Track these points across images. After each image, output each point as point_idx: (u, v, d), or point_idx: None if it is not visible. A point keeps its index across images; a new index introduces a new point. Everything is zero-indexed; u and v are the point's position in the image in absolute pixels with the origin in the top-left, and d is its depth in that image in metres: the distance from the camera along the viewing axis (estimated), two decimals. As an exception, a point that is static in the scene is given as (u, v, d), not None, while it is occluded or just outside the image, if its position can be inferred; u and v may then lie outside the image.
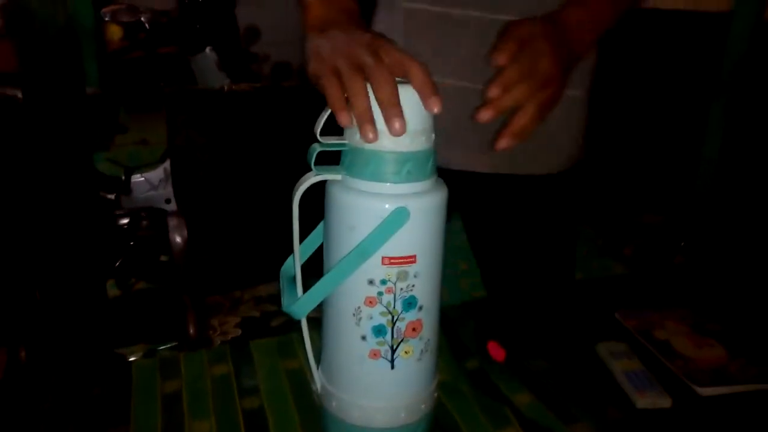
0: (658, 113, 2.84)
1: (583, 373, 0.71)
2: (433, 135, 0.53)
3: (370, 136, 0.49)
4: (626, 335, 0.78)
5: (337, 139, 0.53)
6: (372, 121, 0.49)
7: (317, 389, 0.60)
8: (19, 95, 1.43)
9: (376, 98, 0.49)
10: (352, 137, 0.52)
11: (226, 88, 1.37)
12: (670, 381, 0.69)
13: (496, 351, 0.73)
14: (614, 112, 3.05)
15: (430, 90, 0.50)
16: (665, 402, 0.66)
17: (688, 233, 2.37)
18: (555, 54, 0.57)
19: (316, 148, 0.52)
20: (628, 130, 2.99)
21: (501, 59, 0.54)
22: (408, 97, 0.50)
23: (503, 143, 0.53)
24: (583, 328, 0.80)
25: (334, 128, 0.53)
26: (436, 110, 0.50)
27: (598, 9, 0.69)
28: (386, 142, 0.50)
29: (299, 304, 0.54)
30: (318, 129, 0.53)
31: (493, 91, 0.51)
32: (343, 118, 0.50)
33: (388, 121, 0.49)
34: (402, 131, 0.49)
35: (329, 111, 0.52)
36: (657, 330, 0.79)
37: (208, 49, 2.10)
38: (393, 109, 0.48)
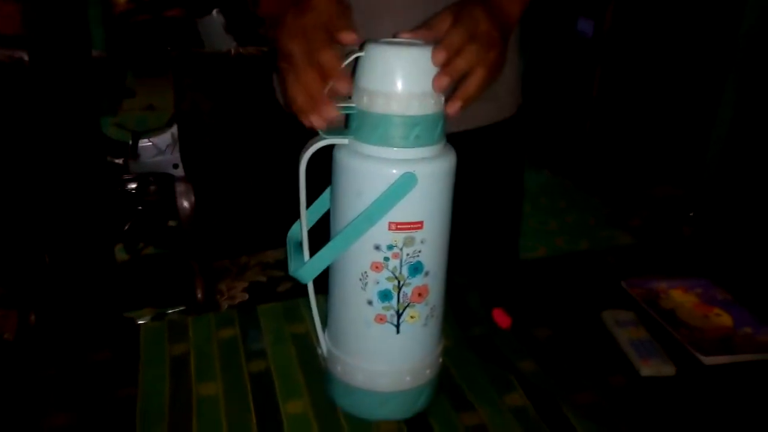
0: (670, 85, 2.79)
1: (588, 341, 0.71)
2: (442, 98, 0.52)
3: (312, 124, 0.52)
4: (632, 304, 0.78)
5: (347, 103, 0.52)
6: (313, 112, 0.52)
7: (323, 353, 0.60)
8: (26, 58, 1.42)
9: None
10: (360, 100, 0.51)
11: (233, 51, 1.35)
12: (675, 350, 0.69)
13: (502, 318, 0.73)
14: (626, 84, 3.01)
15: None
16: (669, 370, 0.66)
17: (697, 204, 2.36)
18: (491, 18, 0.57)
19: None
20: (639, 102, 2.94)
21: (443, 24, 0.54)
22: (417, 58, 0.50)
23: (455, 108, 0.53)
24: (589, 297, 0.79)
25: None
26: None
27: None
28: (394, 105, 0.50)
29: (306, 268, 0.54)
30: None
31: (440, 56, 0.50)
32: (308, 123, 0.52)
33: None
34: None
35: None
36: (663, 299, 0.79)
37: (215, 12, 2.07)
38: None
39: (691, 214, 2.22)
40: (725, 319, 0.75)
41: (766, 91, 2.33)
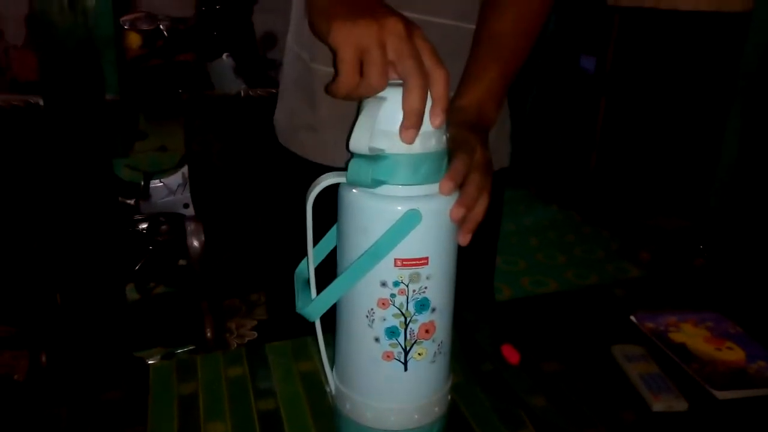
0: (675, 116, 2.81)
1: (599, 376, 0.71)
2: (445, 137, 0.53)
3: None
4: (642, 338, 0.77)
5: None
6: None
7: (331, 391, 0.60)
8: (41, 103, 1.46)
9: (406, 99, 0.50)
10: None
11: (242, 93, 1.38)
12: (687, 384, 0.68)
13: (511, 354, 0.73)
14: (630, 117, 3.03)
15: (443, 104, 0.51)
16: (681, 405, 0.65)
17: (707, 236, 2.34)
18: (484, 143, 0.60)
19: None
20: (643, 135, 2.96)
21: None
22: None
23: (467, 239, 0.55)
24: (599, 331, 0.79)
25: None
26: (437, 125, 0.51)
27: (501, 83, 0.72)
28: (398, 144, 0.51)
29: (313, 305, 0.55)
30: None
31: (457, 212, 0.53)
32: (338, 93, 0.52)
33: (404, 127, 0.50)
34: (412, 141, 0.50)
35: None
36: (673, 333, 0.78)
37: (225, 56, 2.12)
38: (415, 119, 0.50)
39: (701, 246, 2.21)
40: (737, 353, 0.75)
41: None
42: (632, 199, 2.99)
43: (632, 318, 0.81)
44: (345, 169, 0.53)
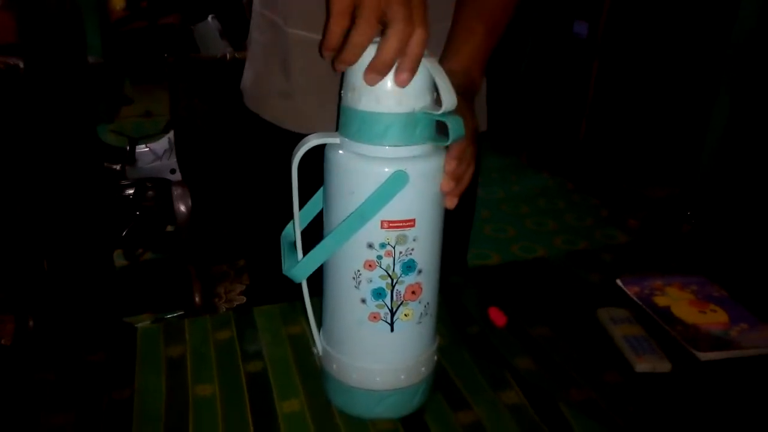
0: (665, 85, 2.80)
1: (584, 338, 0.71)
2: (434, 96, 0.53)
3: (341, 69, 0.51)
4: (628, 301, 0.78)
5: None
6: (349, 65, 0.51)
7: (318, 352, 0.61)
8: (21, 65, 1.42)
9: (383, 44, 0.49)
10: (350, 98, 0.51)
11: (228, 56, 1.36)
12: (671, 346, 0.69)
13: (498, 316, 0.74)
14: (621, 84, 3.01)
15: (415, 63, 0.50)
16: (665, 366, 0.66)
17: (695, 203, 2.36)
18: (472, 112, 0.61)
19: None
20: (634, 102, 2.95)
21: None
22: None
23: (454, 203, 0.56)
24: (585, 295, 0.80)
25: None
26: (402, 82, 0.50)
27: (480, 49, 0.72)
28: (385, 103, 0.50)
29: (299, 267, 0.55)
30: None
31: (448, 184, 0.54)
32: (340, 63, 0.51)
33: (369, 69, 0.49)
34: (374, 84, 0.50)
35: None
36: (658, 296, 0.79)
37: (210, 18, 2.07)
38: (384, 66, 0.49)
39: (689, 213, 2.22)
40: (721, 316, 0.76)
41: (761, 89, 2.34)
42: (622, 167, 3.00)
43: (618, 282, 0.82)
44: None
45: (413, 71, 0.50)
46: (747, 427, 0.60)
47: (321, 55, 0.52)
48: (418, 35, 0.49)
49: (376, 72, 0.49)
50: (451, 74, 0.53)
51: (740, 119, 2.43)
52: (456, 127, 0.51)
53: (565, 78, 3.28)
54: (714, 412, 0.61)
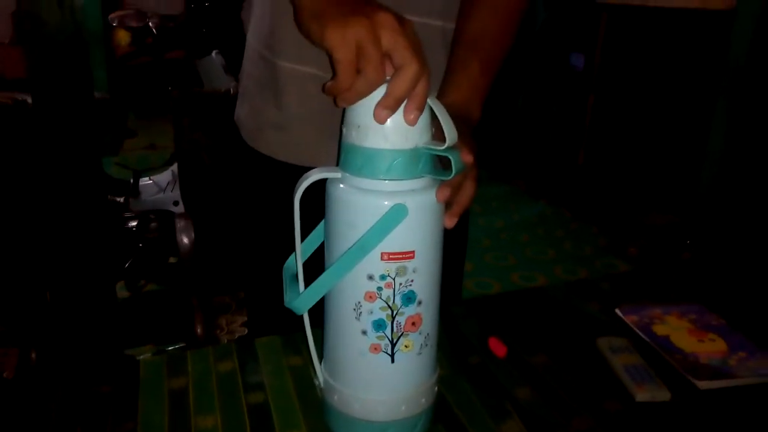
0: (662, 112, 2.83)
1: (584, 367, 0.72)
2: (432, 131, 0.54)
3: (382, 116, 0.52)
4: (627, 330, 0.79)
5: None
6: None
7: (320, 383, 0.61)
8: (29, 100, 1.45)
9: (395, 81, 0.51)
10: (351, 134, 0.53)
11: (232, 91, 1.38)
12: (670, 375, 0.70)
13: (497, 347, 0.74)
14: (618, 111, 3.05)
15: (422, 101, 0.52)
16: (664, 395, 0.66)
17: (694, 231, 2.37)
18: (465, 131, 0.61)
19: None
20: (631, 131, 2.99)
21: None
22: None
23: (453, 222, 0.58)
24: (584, 324, 0.80)
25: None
26: (411, 121, 0.52)
27: (483, 81, 0.74)
28: (385, 139, 0.52)
29: (301, 299, 0.56)
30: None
31: (443, 193, 0.55)
32: (343, 102, 0.52)
33: (380, 106, 0.51)
34: (384, 121, 0.51)
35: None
36: (657, 325, 0.79)
37: (214, 53, 2.11)
38: (395, 101, 0.51)
39: (689, 241, 2.23)
40: (720, 344, 0.76)
41: (756, 114, 2.37)
42: (620, 195, 3.02)
43: (617, 311, 0.83)
44: (322, 165, 0.55)
45: (422, 109, 0.52)
46: (747, 456, 0.60)
47: (322, 90, 0.54)
48: (424, 76, 0.51)
49: (389, 109, 0.51)
50: (449, 107, 0.55)
51: (737, 147, 2.46)
52: (458, 161, 0.53)
53: (563, 108, 3.33)
54: (714, 442, 0.61)
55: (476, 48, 0.74)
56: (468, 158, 0.55)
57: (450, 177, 0.53)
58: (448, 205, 0.57)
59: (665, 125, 2.81)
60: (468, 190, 0.59)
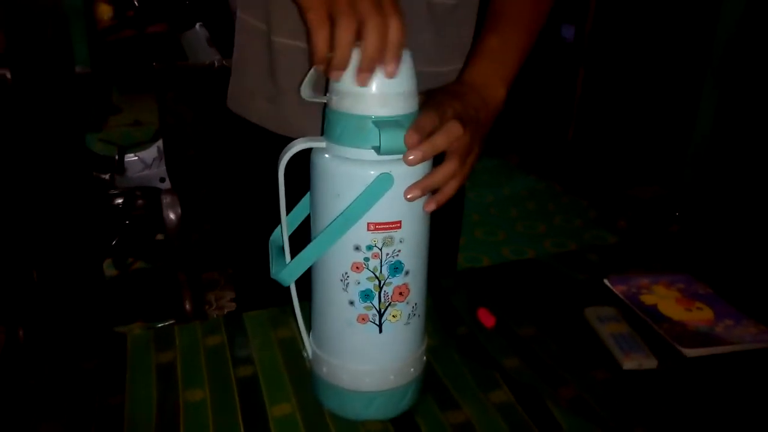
0: (650, 86, 2.83)
1: (571, 337, 0.72)
2: (417, 98, 0.53)
3: (339, 76, 0.51)
4: (615, 300, 0.79)
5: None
6: (344, 68, 0.50)
7: (308, 355, 0.61)
8: (8, 75, 1.42)
9: (364, 41, 0.49)
10: (335, 102, 0.52)
11: (216, 64, 1.36)
12: (657, 343, 0.70)
13: (486, 317, 0.74)
14: (607, 86, 3.04)
15: (397, 52, 0.50)
16: (651, 363, 0.67)
17: (683, 204, 2.38)
18: (471, 131, 0.59)
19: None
20: (621, 104, 2.98)
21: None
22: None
23: (430, 208, 0.55)
24: (572, 295, 0.81)
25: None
26: (389, 73, 0.50)
27: (505, 59, 0.70)
28: (369, 106, 0.51)
29: (287, 270, 0.55)
30: (305, 88, 0.54)
31: (413, 193, 0.53)
32: (336, 68, 0.51)
33: (359, 70, 0.49)
34: (366, 84, 0.50)
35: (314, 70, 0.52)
36: (645, 295, 0.80)
37: (197, 26, 2.07)
38: (370, 61, 0.49)
39: (677, 213, 2.25)
40: (707, 313, 0.77)
41: (745, 88, 2.37)
42: (611, 169, 3.02)
43: (605, 281, 0.83)
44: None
45: (398, 59, 0.50)
46: (732, 421, 0.61)
47: (310, 65, 0.53)
48: (393, 24, 0.50)
49: (366, 70, 0.50)
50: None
51: (726, 119, 2.46)
52: (387, 139, 0.50)
53: (553, 81, 3.31)
54: (700, 408, 0.62)
55: (502, 26, 0.71)
56: (412, 138, 0.51)
57: (380, 153, 0.50)
58: (433, 191, 0.56)
59: (655, 98, 2.81)
60: (453, 183, 0.57)
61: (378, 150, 0.50)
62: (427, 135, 0.52)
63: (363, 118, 0.51)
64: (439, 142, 0.53)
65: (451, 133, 0.54)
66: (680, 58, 2.68)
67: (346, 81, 0.51)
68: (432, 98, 0.57)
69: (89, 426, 0.58)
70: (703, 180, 2.52)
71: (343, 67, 0.50)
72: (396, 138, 0.50)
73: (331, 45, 0.50)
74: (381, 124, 0.50)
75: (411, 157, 0.51)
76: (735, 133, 2.42)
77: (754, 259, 0.89)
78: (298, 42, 0.75)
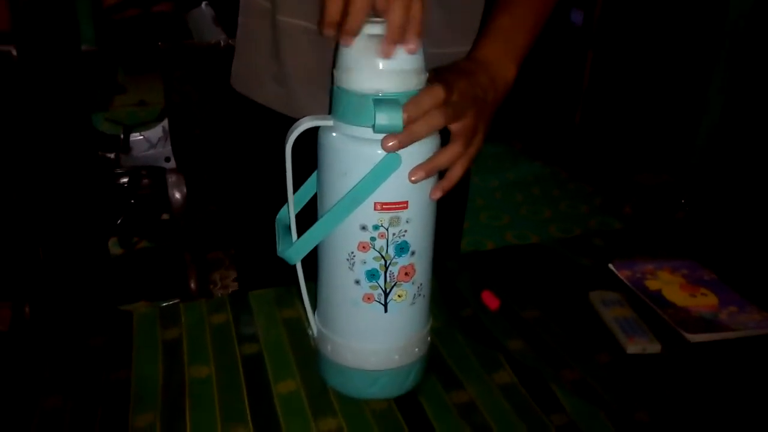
0: (659, 73, 2.80)
1: (575, 320, 0.72)
2: (426, 76, 0.53)
3: (349, 41, 0.50)
4: (619, 285, 0.79)
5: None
6: (356, 34, 0.50)
7: (313, 334, 0.61)
8: (14, 52, 1.41)
9: (390, 14, 0.49)
10: (343, 80, 0.52)
11: (222, 43, 1.35)
12: (661, 328, 0.70)
13: (491, 300, 0.74)
14: (616, 72, 3.02)
15: (417, 28, 0.49)
16: (655, 348, 0.67)
17: (689, 190, 2.37)
18: (477, 115, 0.59)
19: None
20: (629, 90, 2.96)
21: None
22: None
23: (437, 195, 0.55)
24: (577, 279, 0.81)
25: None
26: (411, 50, 0.50)
27: (516, 37, 0.69)
28: (378, 84, 0.50)
29: (293, 248, 0.55)
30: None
31: (417, 175, 0.53)
32: (327, 28, 0.50)
33: (385, 41, 0.49)
34: (390, 56, 0.49)
35: None
36: (650, 280, 0.80)
37: (203, 5, 2.06)
38: (398, 33, 0.49)
39: (683, 200, 2.24)
40: (711, 299, 0.77)
41: (755, 77, 2.35)
42: (617, 155, 3.01)
43: (610, 266, 0.83)
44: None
45: (419, 36, 0.50)
46: (735, 407, 0.61)
47: (321, 34, 0.52)
48: (416, 1, 0.49)
49: (392, 42, 0.49)
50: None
51: (734, 107, 2.44)
52: (382, 117, 0.49)
53: (560, 66, 3.28)
54: (703, 393, 0.62)
55: (513, 6, 0.70)
56: (411, 111, 0.50)
57: (375, 131, 0.50)
58: (439, 176, 0.56)
59: (663, 85, 2.78)
60: (458, 168, 0.57)
61: (374, 128, 0.50)
62: (424, 113, 0.52)
63: (365, 95, 0.50)
64: (418, 129, 0.52)
65: (431, 124, 0.53)
66: (690, 45, 2.65)
67: (356, 56, 0.50)
68: (439, 75, 0.57)
69: (95, 401, 0.58)
70: (710, 167, 2.51)
71: (355, 32, 0.50)
72: (391, 116, 0.49)
73: (344, 12, 0.49)
74: (378, 101, 0.49)
75: (389, 144, 0.50)
76: (744, 121, 2.40)
77: (758, 246, 0.89)
78: (303, 21, 0.74)
